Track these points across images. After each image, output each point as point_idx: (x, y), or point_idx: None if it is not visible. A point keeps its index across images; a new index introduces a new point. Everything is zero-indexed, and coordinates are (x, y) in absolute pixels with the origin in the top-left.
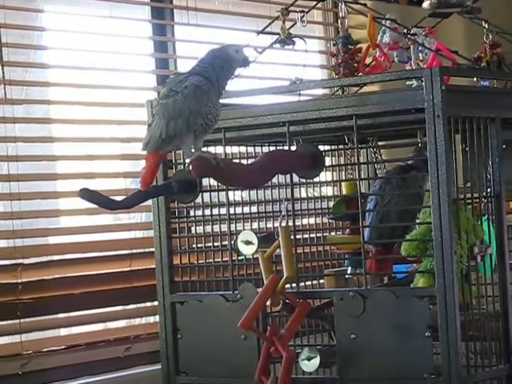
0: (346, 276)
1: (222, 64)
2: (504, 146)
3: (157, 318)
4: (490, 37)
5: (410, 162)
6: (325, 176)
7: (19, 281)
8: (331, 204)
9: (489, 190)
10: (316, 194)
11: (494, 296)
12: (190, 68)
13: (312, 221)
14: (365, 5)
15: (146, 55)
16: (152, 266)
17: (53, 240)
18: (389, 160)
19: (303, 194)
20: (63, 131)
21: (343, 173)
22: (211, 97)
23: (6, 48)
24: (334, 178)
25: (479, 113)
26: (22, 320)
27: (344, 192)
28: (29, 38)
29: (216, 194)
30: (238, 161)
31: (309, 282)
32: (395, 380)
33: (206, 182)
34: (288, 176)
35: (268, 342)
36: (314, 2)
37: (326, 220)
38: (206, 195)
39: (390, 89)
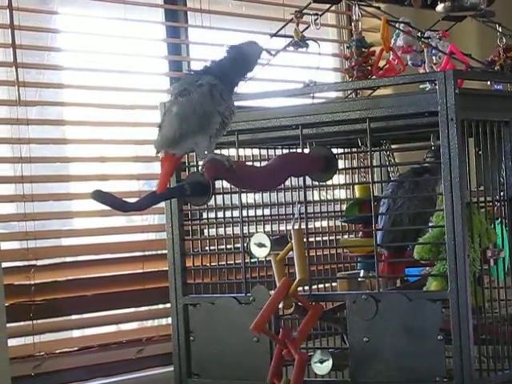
0: (359, 279)
1: (238, 63)
2: None
3: (169, 320)
4: (504, 40)
5: (423, 165)
6: (338, 179)
7: (32, 282)
8: (344, 207)
9: (502, 193)
10: (329, 197)
11: (506, 300)
12: (204, 66)
13: (325, 224)
14: (378, 8)
15: (160, 57)
16: (165, 268)
17: (66, 242)
18: (402, 163)
19: (316, 197)
20: (76, 133)
21: (356, 176)
22: (225, 96)
23: (20, 50)
24: (347, 181)
25: (492, 116)
26: (34, 321)
27: (357, 195)
28: (43, 39)
29: (229, 196)
30: (250, 163)
31: (321, 285)
32: (407, 383)
33: (218, 184)
34: (301, 179)
35: (280, 345)
36: (328, 5)
37: (338, 223)
38: (219, 197)
39: (403, 92)
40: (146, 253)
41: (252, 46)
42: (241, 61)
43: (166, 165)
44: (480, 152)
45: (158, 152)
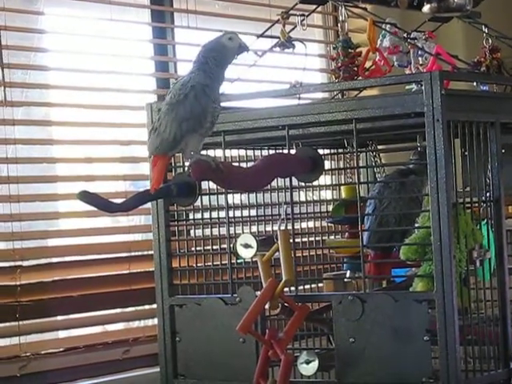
0: (345, 280)
1: (216, 56)
2: (503, 151)
3: (155, 320)
4: (490, 41)
5: (409, 166)
6: (324, 180)
7: (18, 283)
8: (330, 208)
9: (488, 194)
10: (315, 198)
11: (492, 300)
12: (190, 69)
13: (311, 224)
14: (365, 9)
15: (146, 58)
16: (151, 269)
17: (52, 242)
18: (388, 164)
19: (302, 198)
20: (63, 133)
21: (342, 176)
22: (214, 92)
23: (6, 50)
24: (334, 182)
25: (479, 117)
26: (20, 322)
27: (343, 196)
28: (29, 40)
29: (215, 197)
30: (237, 164)
31: (307, 286)
32: None
33: (205, 185)
34: (287, 179)
35: (266, 346)
36: (314, 6)
37: (324, 223)
38: (206, 198)
39: (389, 93)
40: (133, 253)
41: (226, 38)
42: (219, 52)
43: (158, 164)
44: (466, 153)
45: (152, 155)
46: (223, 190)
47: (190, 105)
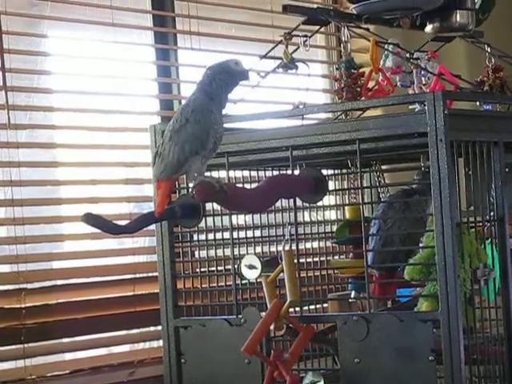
0: (350, 300)
1: (223, 78)
2: (507, 170)
3: (160, 342)
4: (493, 60)
5: (413, 186)
6: (328, 200)
7: (23, 305)
8: (334, 228)
9: (492, 213)
10: (319, 218)
11: (497, 320)
12: (192, 91)
13: (315, 245)
14: (367, 29)
15: (150, 80)
16: (156, 291)
17: (56, 265)
18: (392, 184)
19: (306, 218)
20: (67, 156)
21: (346, 197)
22: (215, 114)
23: (9, 73)
24: (338, 202)
25: (482, 137)
26: (25, 345)
27: (347, 216)
28: (32, 63)
29: (219, 218)
30: (241, 185)
31: (312, 306)
32: None
33: (209, 206)
34: (291, 200)
35: (272, 367)
36: (317, 27)
37: (329, 244)
38: (210, 219)
39: (392, 113)
40: (137, 275)
41: (233, 62)
42: (225, 75)
43: (162, 186)
44: (470, 172)
45: (157, 180)
46: (227, 211)
47: (191, 128)
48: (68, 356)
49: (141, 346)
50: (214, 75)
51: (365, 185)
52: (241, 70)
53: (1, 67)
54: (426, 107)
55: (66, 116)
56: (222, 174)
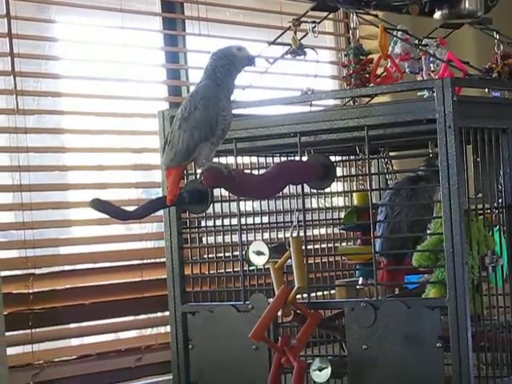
0: (357, 287)
1: (225, 65)
2: None
3: (168, 328)
4: (502, 47)
5: (419, 173)
6: (336, 187)
7: (31, 291)
8: (342, 215)
9: (500, 200)
10: (327, 205)
11: (505, 307)
12: (200, 78)
13: (323, 231)
14: (376, 15)
15: (158, 65)
16: (163, 277)
17: (64, 250)
18: (400, 170)
19: (314, 205)
20: (75, 141)
21: (354, 183)
22: (223, 101)
23: (17, 58)
24: (345, 189)
25: (490, 123)
26: (33, 330)
27: (355, 203)
28: (41, 48)
29: (227, 204)
30: (249, 171)
31: (320, 293)
32: None
33: (217, 192)
34: (299, 186)
35: (279, 353)
36: (326, 13)
37: (337, 230)
38: (218, 205)
39: (401, 99)
40: (145, 261)
41: (235, 48)
42: (227, 61)
43: (172, 173)
44: (478, 159)
45: (167, 167)
46: (235, 197)
47: (200, 114)
48: (75, 341)
49: (148, 331)
50: (216, 62)
51: (373, 171)
52: (243, 56)
53: (9, 52)
54: (435, 94)
55: (74, 102)
56: (231, 160)
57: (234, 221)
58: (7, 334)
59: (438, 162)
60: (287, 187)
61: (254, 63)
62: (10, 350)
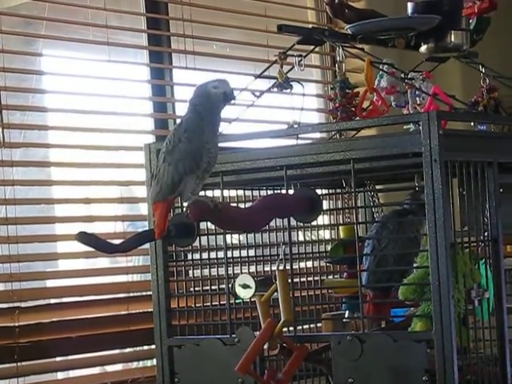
0: (344, 320)
1: (204, 102)
2: (501, 190)
3: (154, 361)
4: (487, 81)
5: (405, 206)
6: (322, 220)
7: (17, 324)
8: (329, 247)
9: (486, 233)
10: (314, 238)
11: (491, 340)
12: (185, 111)
13: (309, 264)
14: (362, 49)
15: (144, 99)
16: (149, 310)
17: (50, 283)
18: (386, 204)
19: (301, 238)
20: (61, 174)
21: (341, 216)
22: (208, 134)
23: (4, 92)
24: (332, 222)
25: (476, 157)
26: (19, 363)
27: (341, 236)
28: (27, 81)
29: (213, 237)
30: (235, 204)
31: (306, 326)
32: None
33: (203, 225)
34: (286, 219)
35: None
36: (312, 46)
37: (323, 264)
38: (204, 239)
39: (387, 133)
40: (131, 294)
41: (211, 85)
42: (204, 99)
43: (160, 208)
44: (464, 192)
45: (154, 202)
46: (221, 231)
47: (184, 147)
48: (61, 375)
49: (134, 365)
50: (195, 100)
51: (359, 204)
52: (219, 93)
53: None
54: (421, 127)
55: (61, 134)
56: (217, 193)
57: (221, 254)
58: None
59: (424, 196)
60: (274, 220)
61: (232, 98)
62: None
